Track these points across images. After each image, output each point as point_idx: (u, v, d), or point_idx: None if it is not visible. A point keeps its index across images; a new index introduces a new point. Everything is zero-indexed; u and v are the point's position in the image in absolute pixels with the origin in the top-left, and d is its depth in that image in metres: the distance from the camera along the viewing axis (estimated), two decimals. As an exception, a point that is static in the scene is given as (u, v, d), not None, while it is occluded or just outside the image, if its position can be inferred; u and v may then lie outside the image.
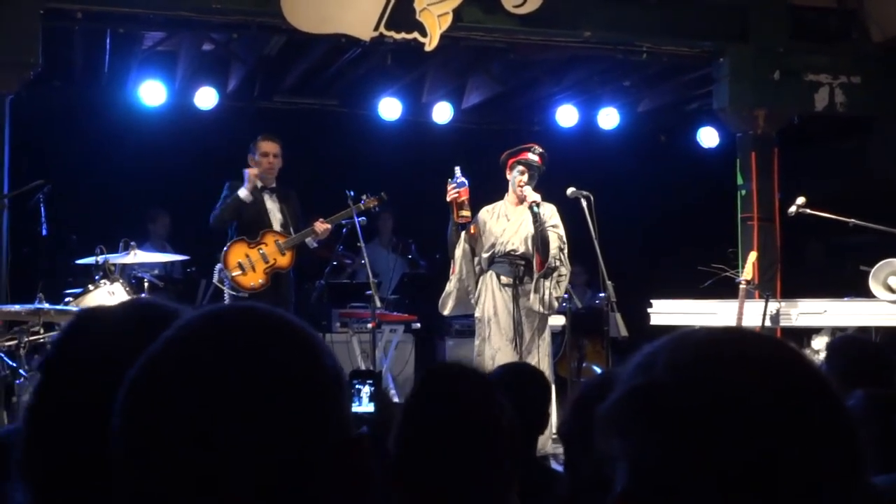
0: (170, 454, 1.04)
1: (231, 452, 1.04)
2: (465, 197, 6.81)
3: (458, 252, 6.94)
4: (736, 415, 0.99)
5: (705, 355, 1.05)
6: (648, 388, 1.04)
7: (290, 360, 1.10)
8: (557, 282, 6.77)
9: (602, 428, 1.06)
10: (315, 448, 1.08)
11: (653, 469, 1.01)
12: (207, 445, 1.04)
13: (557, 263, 6.72)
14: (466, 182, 6.84)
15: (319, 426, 1.08)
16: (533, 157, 6.91)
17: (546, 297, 6.68)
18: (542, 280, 6.70)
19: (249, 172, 7.45)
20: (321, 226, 7.47)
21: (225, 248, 7.36)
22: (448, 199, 6.81)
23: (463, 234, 6.90)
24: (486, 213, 6.97)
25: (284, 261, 7.41)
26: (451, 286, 7.03)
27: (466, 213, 6.84)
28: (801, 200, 6.94)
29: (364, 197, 7.68)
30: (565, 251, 6.81)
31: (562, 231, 6.82)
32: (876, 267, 6.73)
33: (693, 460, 0.99)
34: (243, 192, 7.39)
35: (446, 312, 7.15)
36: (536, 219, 6.69)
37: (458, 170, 6.88)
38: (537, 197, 6.79)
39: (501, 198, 7.11)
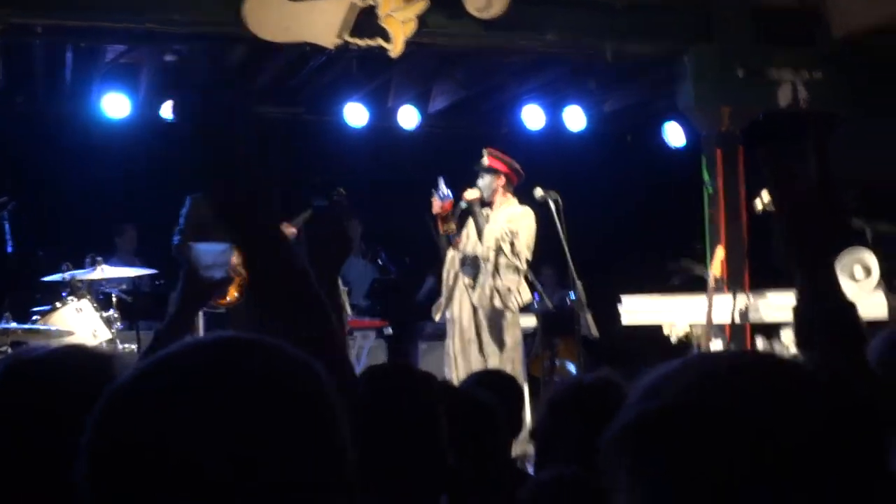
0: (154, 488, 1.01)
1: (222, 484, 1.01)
2: (449, 209, 6.93)
3: (446, 265, 7.10)
4: (748, 437, 0.98)
5: (716, 379, 1.03)
6: (659, 413, 1.03)
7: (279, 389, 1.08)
8: (495, 273, 6.82)
9: (609, 453, 1.04)
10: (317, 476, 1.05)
11: (662, 496, 1.00)
12: (189, 476, 1.01)
13: (490, 256, 6.80)
14: (451, 194, 6.95)
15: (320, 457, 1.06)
16: (481, 160, 7.06)
17: (486, 291, 6.79)
18: (481, 276, 6.82)
19: None
20: (287, 229, 7.44)
21: None
22: (433, 212, 6.95)
23: (451, 247, 7.03)
24: (468, 221, 7.11)
25: (254, 272, 7.37)
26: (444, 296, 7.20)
27: (451, 225, 6.95)
28: (766, 196, 6.98)
29: (321, 198, 7.65)
30: (515, 247, 6.84)
31: (518, 227, 6.88)
32: (840, 256, 6.77)
33: (703, 484, 0.97)
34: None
35: (437, 318, 7.28)
36: (473, 215, 6.88)
37: (441, 181, 6.97)
38: (471, 195, 6.97)
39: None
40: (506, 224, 6.90)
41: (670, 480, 0.98)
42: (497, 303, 6.82)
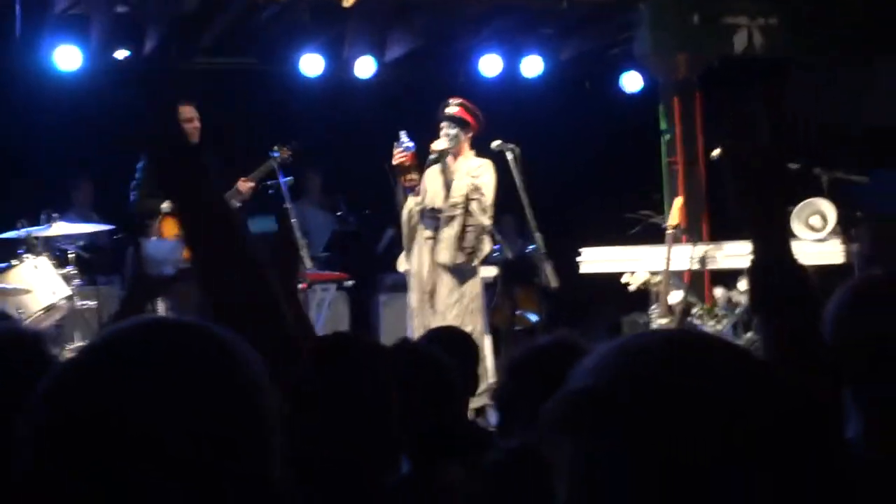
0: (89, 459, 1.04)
1: (153, 458, 1.05)
2: (411, 161, 6.81)
3: (403, 216, 6.96)
4: (720, 418, 0.97)
5: (651, 360, 1.03)
6: (589, 392, 1.02)
7: (208, 368, 1.12)
8: (462, 232, 6.77)
9: (544, 429, 1.04)
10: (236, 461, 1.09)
11: (592, 477, 0.99)
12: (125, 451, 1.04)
13: (457, 213, 6.74)
14: (413, 146, 6.82)
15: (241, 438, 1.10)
16: (449, 108, 6.93)
17: (446, 246, 6.73)
18: (444, 230, 6.76)
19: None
20: (244, 185, 7.39)
21: (156, 224, 7.20)
22: (394, 162, 6.79)
23: (409, 197, 6.89)
24: (427, 172, 6.98)
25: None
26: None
27: (413, 176, 6.83)
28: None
29: (276, 148, 7.57)
30: (481, 203, 6.78)
31: (482, 182, 6.82)
32: (797, 207, 6.84)
33: (666, 461, 0.97)
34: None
35: (401, 269, 7.20)
36: (443, 168, 6.75)
37: (404, 134, 6.83)
38: (440, 145, 6.83)
39: (428, 151, 7.10)
40: (470, 179, 6.82)
41: (626, 455, 0.97)
42: (459, 259, 6.78)
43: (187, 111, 7.30)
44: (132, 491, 1.04)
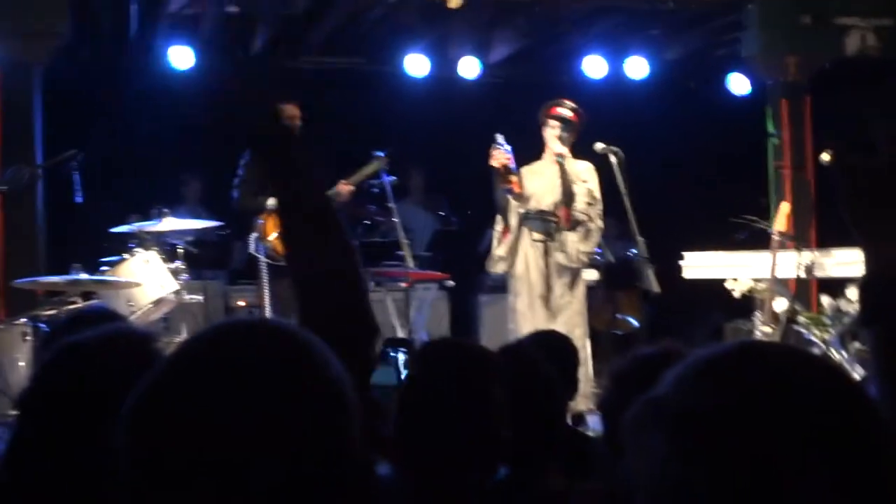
0: (181, 460, 1.07)
1: (231, 460, 1.07)
2: (511, 164, 6.79)
3: (513, 220, 6.92)
4: (755, 432, 0.98)
5: (729, 370, 1.04)
6: (667, 400, 1.03)
7: (291, 371, 1.14)
8: (585, 236, 6.76)
9: (625, 433, 1.06)
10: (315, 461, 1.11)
11: (667, 483, 1.00)
12: (210, 453, 1.07)
13: (583, 218, 6.73)
14: (511, 149, 6.82)
15: (319, 439, 1.11)
16: (564, 111, 6.90)
17: (571, 250, 6.71)
18: (567, 234, 6.73)
19: None
20: (345, 187, 7.46)
21: (260, 221, 7.31)
22: (494, 164, 6.78)
23: (511, 199, 6.86)
24: (524, 171, 6.96)
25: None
26: (503, 249, 6.98)
27: (515, 178, 6.81)
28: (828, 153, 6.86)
29: (377, 151, 7.60)
30: (597, 207, 6.79)
31: (593, 186, 6.81)
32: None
33: (744, 471, 0.97)
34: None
35: (495, 271, 7.14)
36: (562, 172, 6.72)
37: (501, 137, 6.82)
38: (562, 150, 6.79)
39: (531, 152, 7.10)
40: (581, 183, 6.80)
41: (700, 463, 0.99)
42: (579, 262, 6.76)
43: (290, 109, 7.41)
44: (216, 497, 1.06)
